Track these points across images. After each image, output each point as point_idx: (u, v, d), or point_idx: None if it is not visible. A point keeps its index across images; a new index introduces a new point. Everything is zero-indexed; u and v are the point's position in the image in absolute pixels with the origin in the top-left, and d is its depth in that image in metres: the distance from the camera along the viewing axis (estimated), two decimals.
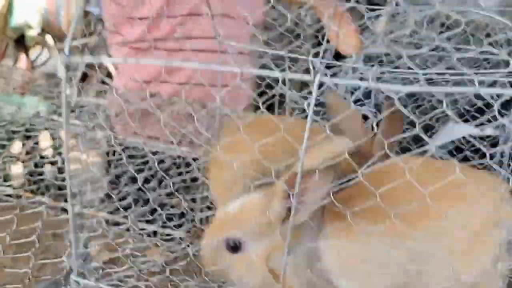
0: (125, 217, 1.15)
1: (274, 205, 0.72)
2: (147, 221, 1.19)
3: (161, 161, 1.32)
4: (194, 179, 1.31)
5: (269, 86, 1.22)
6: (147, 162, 1.34)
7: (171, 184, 1.21)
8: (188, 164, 1.30)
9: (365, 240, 0.72)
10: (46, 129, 1.78)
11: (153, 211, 1.20)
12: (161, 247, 1.10)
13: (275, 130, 0.69)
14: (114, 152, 1.36)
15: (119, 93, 1.47)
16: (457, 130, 1.31)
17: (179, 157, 1.35)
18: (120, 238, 1.14)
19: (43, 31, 3.81)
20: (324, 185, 0.68)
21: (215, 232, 0.77)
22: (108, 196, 1.31)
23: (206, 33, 1.50)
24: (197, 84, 1.58)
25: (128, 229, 1.15)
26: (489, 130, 1.28)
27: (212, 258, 0.76)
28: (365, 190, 0.67)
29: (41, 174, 2.03)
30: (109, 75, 3.93)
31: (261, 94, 1.20)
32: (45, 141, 2.19)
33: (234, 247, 0.73)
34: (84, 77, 3.97)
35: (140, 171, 1.36)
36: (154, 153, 1.31)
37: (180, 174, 1.29)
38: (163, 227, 1.16)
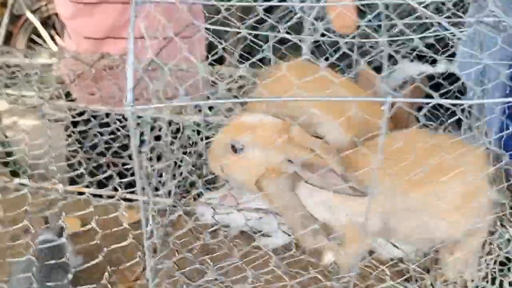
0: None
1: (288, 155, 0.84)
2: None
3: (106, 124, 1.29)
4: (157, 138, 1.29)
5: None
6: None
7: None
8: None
9: None
10: None
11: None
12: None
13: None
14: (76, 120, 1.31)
15: (71, 55, 1.40)
16: (410, 67, 1.36)
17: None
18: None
19: None
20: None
21: (227, 133, 0.90)
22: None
23: None
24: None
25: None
26: (441, 67, 1.32)
27: (217, 154, 0.90)
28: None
29: None
30: (39, 35, 3.65)
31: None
32: None
33: (237, 149, 0.87)
34: (9, 38, 3.70)
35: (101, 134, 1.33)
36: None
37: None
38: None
